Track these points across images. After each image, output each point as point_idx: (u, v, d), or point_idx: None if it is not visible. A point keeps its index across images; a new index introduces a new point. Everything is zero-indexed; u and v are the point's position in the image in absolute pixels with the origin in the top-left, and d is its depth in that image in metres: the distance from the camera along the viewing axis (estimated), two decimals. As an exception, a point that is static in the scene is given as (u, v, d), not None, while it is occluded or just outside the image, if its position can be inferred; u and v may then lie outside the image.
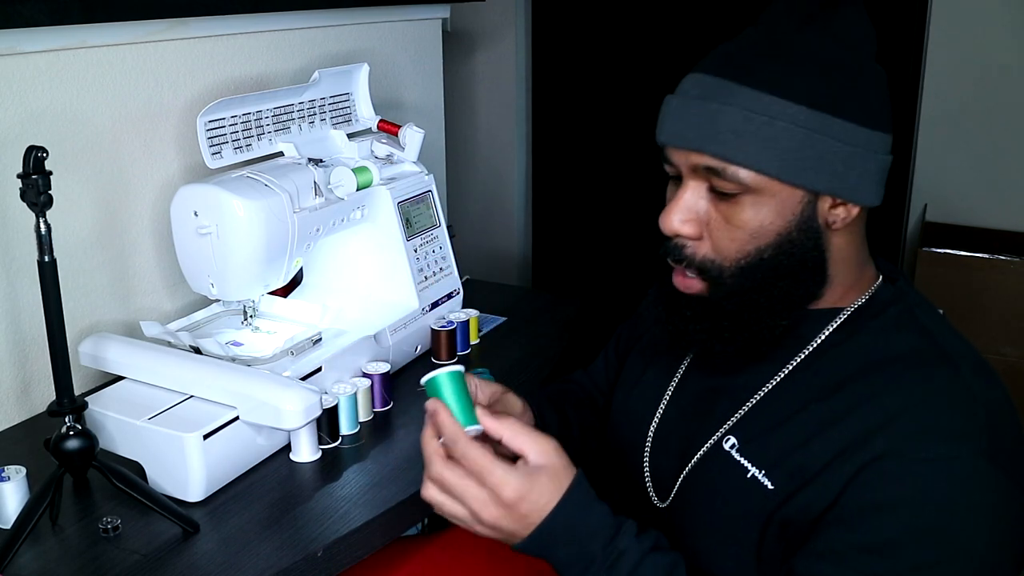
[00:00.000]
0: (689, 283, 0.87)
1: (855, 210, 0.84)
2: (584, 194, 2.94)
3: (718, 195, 0.83)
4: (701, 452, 0.90)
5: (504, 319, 1.53)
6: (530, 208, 3.04)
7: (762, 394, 0.88)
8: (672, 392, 0.98)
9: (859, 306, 0.87)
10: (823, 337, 0.87)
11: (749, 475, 0.84)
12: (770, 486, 0.83)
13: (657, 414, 0.98)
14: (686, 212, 0.84)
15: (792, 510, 0.81)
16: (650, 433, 0.98)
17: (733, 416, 0.89)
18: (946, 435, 0.76)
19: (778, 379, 0.87)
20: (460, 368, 0.83)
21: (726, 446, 0.87)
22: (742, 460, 0.85)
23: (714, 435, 0.89)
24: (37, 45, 1.16)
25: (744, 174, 0.81)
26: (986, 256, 2.24)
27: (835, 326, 0.87)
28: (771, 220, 0.82)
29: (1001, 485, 0.76)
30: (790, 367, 0.87)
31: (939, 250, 2.27)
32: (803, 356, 0.87)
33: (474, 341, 1.44)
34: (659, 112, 0.87)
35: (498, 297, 1.65)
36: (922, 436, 0.76)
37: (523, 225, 3.04)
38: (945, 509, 0.74)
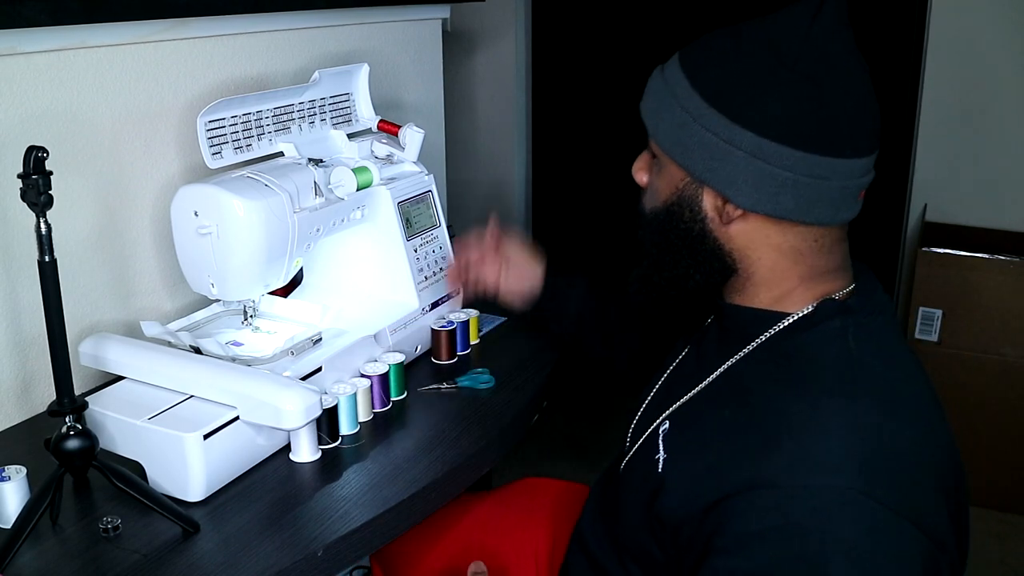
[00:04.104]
0: None
1: (738, 211, 0.86)
2: (584, 193, 2.94)
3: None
4: (647, 432, 0.96)
5: (504, 319, 1.53)
6: (530, 208, 3.04)
7: (701, 386, 0.92)
8: (670, 371, 1.03)
9: (804, 315, 0.88)
10: (762, 339, 0.89)
11: (656, 456, 0.90)
12: (659, 470, 0.88)
13: (652, 391, 1.04)
14: (643, 163, 0.97)
15: (665, 507, 0.85)
16: (642, 406, 1.04)
17: (675, 403, 0.94)
18: (816, 466, 0.76)
19: (717, 373, 0.91)
20: None
21: (660, 430, 0.93)
22: (660, 444, 0.91)
23: (658, 418, 0.95)
24: (37, 45, 1.16)
25: (652, 141, 0.92)
26: (986, 256, 2.24)
27: (776, 330, 0.88)
28: (662, 188, 0.91)
29: (879, 518, 0.74)
30: (729, 363, 0.91)
31: (939, 250, 2.27)
32: (741, 355, 0.90)
33: (474, 341, 1.44)
34: None
35: (498, 297, 1.64)
36: (793, 466, 0.77)
37: (523, 225, 3.04)
38: (811, 538, 0.74)
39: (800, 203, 0.83)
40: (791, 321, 0.88)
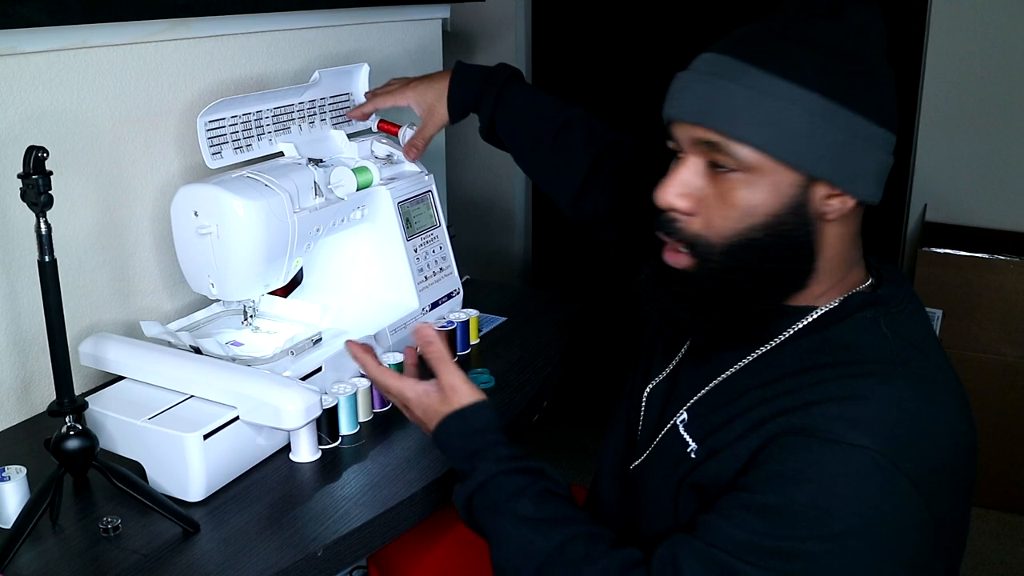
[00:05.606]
0: (678, 258, 0.88)
1: (850, 203, 0.84)
2: (584, 194, 2.94)
3: (715, 172, 0.84)
4: (666, 428, 0.94)
5: (504, 319, 1.53)
6: (530, 208, 3.04)
7: (720, 379, 0.91)
8: (667, 374, 1.01)
9: (832, 308, 0.88)
10: (789, 333, 0.88)
11: (688, 449, 0.89)
12: (693, 456, 0.87)
13: (653, 382, 1.03)
14: (682, 187, 0.85)
15: (704, 476, 0.85)
16: (644, 399, 1.03)
17: (693, 397, 0.92)
18: (852, 424, 0.77)
19: (738, 367, 0.90)
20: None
21: (677, 421, 0.92)
22: (685, 435, 0.90)
23: (676, 413, 0.93)
24: (37, 45, 1.16)
25: (743, 151, 0.82)
26: (986, 256, 2.24)
27: (804, 324, 0.88)
28: (764, 201, 0.83)
29: (899, 488, 0.76)
30: (751, 357, 0.89)
31: (939, 250, 2.27)
32: (766, 348, 0.89)
33: (474, 341, 1.44)
34: (668, 88, 0.88)
35: (498, 297, 1.65)
36: (831, 420, 0.78)
37: (523, 225, 3.04)
38: (831, 491, 0.76)
39: (881, 184, 0.86)
40: (819, 315, 0.88)
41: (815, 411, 0.79)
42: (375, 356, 1.04)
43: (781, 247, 0.84)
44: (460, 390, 0.96)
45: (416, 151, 1.40)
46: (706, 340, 0.91)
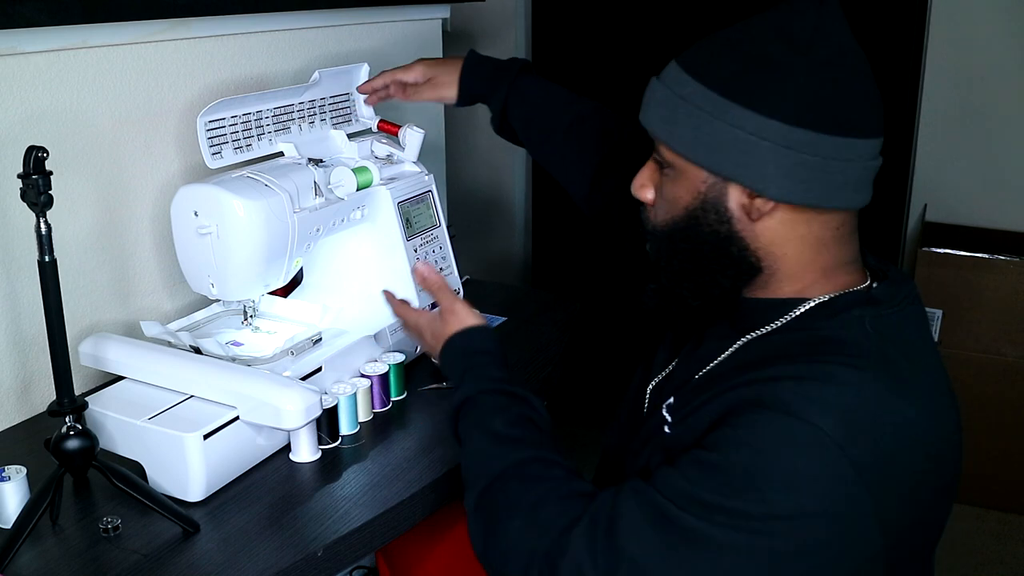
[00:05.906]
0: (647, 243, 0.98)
1: (770, 204, 0.85)
2: (584, 194, 2.94)
3: (662, 168, 0.92)
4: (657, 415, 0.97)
5: (504, 319, 1.53)
6: (530, 208, 3.04)
7: (709, 367, 0.93)
8: (674, 364, 1.03)
9: (820, 302, 0.89)
10: (775, 325, 0.90)
11: (664, 426, 0.92)
12: (667, 431, 0.91)
13: (655, 379, 1.05)
14: (644, 179, 0.95)
15: (670, 442, 0.88)
16: (647, 395, 1.05)
17: (685, 386, 0.95)
18: (808, 404, 0.78)
19: (725, 355, 0.92)
20: None
21: (663, 404, 0.95)
22: (666, 415, 0.93)
23: (667, 400, 0.96)
24: (37, 45, 1.16)
25: (663, 150, 0.90)
26: (986, 256, 2.24)
27: (790, 317, 0.89)
28: (682, 196, 0.89)
29: (842, 474, 0.76)
30: (738, 344, 0.92)
31: (939, 250, 2.28)
32: (751, 337, 0.91)
33: (474, 341, 1.44)
34: None
35: (498, 297, 1.65)
36: (790, 395, 0.79)
37: (523, 225, 3.04)
38: (769, 458, 0.77)
39: (828, 188, 0.85)
40: (809, 307, 0.88)
41: (777, 385, 0.80)
42: (405, 301, 1.21)
43: (699, 239, 0.89)
44: (460, 313, 1.09)
45: (385, 95, 1.41)
46: (669, 323, 0.98)
